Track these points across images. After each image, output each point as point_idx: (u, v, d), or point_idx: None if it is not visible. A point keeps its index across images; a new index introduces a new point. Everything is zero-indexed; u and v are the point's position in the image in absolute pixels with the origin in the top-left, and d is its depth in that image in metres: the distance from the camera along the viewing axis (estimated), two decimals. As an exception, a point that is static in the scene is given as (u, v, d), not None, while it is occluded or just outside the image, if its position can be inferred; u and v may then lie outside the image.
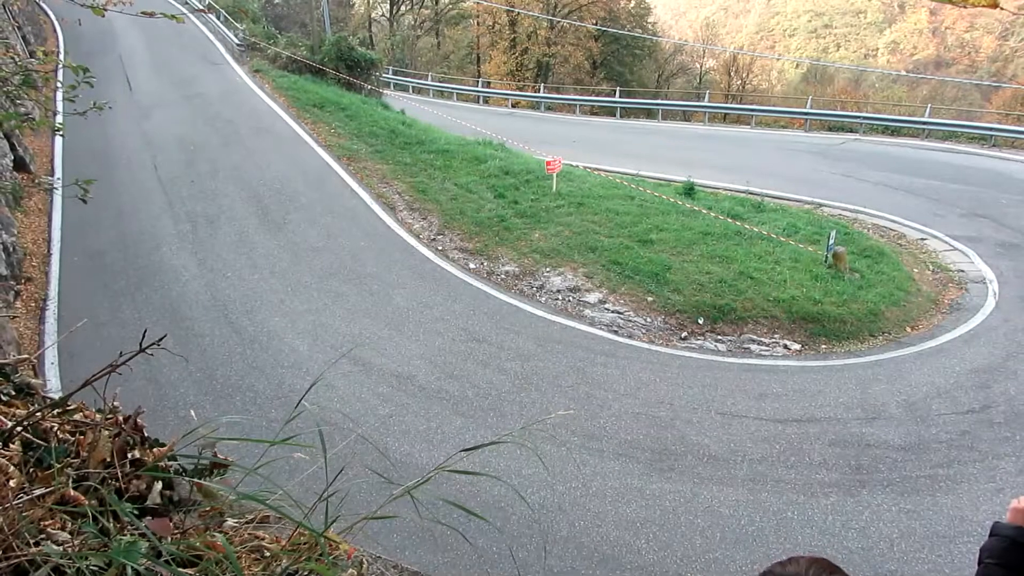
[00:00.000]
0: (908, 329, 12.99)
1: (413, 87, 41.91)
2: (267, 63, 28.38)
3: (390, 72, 43.63)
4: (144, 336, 1.88)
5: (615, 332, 12.24)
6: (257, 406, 9.44)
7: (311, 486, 2.00)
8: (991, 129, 27.75)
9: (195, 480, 1.92)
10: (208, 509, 1.90)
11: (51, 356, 10.20)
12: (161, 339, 1.86)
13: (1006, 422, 9.98)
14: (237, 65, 27.80)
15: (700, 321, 12.57)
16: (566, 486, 8.26)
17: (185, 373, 10.08)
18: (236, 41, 30.25)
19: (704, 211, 16.30)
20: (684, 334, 12.34)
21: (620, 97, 35.66)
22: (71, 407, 2.10)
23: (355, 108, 23.22)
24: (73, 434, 1.99)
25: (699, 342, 12.21)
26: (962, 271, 15.46)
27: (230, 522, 1.91)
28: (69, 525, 1.64)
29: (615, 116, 34.75)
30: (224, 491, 1.88)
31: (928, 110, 30.19)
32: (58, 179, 15.53)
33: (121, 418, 2.00)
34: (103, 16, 5.21)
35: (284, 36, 32.67)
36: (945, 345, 12.31)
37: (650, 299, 13.05)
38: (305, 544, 1.74)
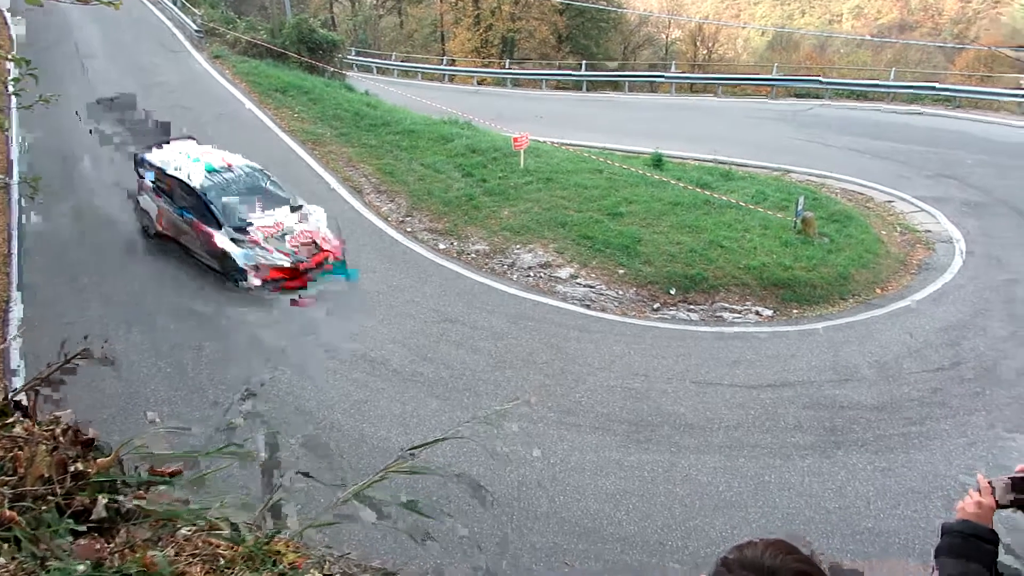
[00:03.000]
0: (878, 291, 13.09)
1: (377, 68, 41.43)
2: (227, 48, 27.86)
3: (353, 53, 43.08)
4: (95, 345, 1.79)
5: (587, 306, 12.22)
6: (229, 399, 9.31)
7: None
8: (955, 91, 27.94)
9: (137, 492, 1.83)
10: (157, 520, 1.81)
11: (14, 360, 9.95)
12: (81, 353, 1.77)
13: (976, 378, 10.10)
14: (196, 52, 27.29)
15: (672, 291, 12.58)
16: (544, 462, 8.25)
17: (155, 369, 9.92)
18: (194, 27, 29.67)
19: (673, 182, 16.28)
20: (656, 305, 12.34)
21: (586, 70, 35.48)
22: (9, 421, 2.01)
23: (318, 91, 22.89)
24: (11, 449, 1.89)
25: (672, 312, 12.22)
26: (929, 231, 15.59)
27: (183, 531, 1.83)
28: (5, 548, 1.56)
29: (581, 90, 34.57)
30: (155, 506, 1.79)
31: (892, 73, 30.34)
32: (11, 177, 15.18)
33: (60, 430, 1.91)
34: (41, 5, 5.06)
35: (244, 20, 32.07)
36: (914, 305, 12.42)
37: (621, 272, 13.03)
38: (262, 550, 1.67)
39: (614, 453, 8.50)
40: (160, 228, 12.99)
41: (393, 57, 43.57)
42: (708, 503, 7.75)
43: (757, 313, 12.24)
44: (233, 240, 11.72)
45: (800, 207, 14.28)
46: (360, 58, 42.94)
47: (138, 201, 13.38)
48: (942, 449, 8.63)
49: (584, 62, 36.82)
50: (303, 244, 11.99)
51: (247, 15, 35.80)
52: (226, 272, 11.87)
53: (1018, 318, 11.65)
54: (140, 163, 13.16)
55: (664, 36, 52.10)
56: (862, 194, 17.98)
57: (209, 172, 12.46)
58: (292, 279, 11.70)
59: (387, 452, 8.00)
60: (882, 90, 28.93)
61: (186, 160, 12.66)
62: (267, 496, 1.53)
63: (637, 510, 7.61)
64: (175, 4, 32.56)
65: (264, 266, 11.55)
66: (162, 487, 1.86)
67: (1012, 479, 2.16)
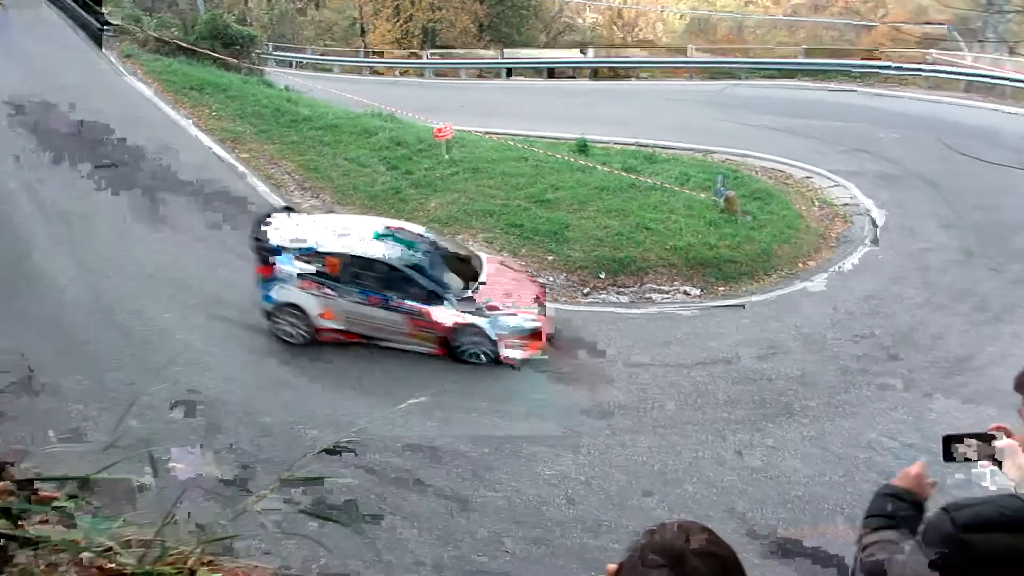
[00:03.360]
0: (800, 265, 13.45)
1: (296, 62, 40.64)
2: (137, 47, 26.95)
3: (271, 49, 42.22)
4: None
5: (519, 294, 12.24)
6: (153, 410, 9.03)
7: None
8: (864, 66, 28.86)
9: (17, 521, 1.76)
10: (56, 544, 1.75)
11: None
12: None
13: (894, 344, 10.49)
14: (104, 51, 26.32)
15: (602, 276, 12.71)
16: (478, 452, 8.26)
17: (73, 382, 9.56)
18: (98, 26, 28.53)
19: (598, 167, 16.40)
20: (587, 290, 12.46)
21: (507, 58, 35.44)
22: None
23: (236, 88, 22.35)
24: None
25: (602, 296, 12.36)
26: (846, 205, 16.06)
27: (87, 554, 1.76)
28: None
29: (504, 77, 34.56)
30: (39, 534, 1.73)
31: (804, 52, 31.14)
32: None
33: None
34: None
35: (154, 17, 31.07)
36: (835, 277, 12.82)
37: (551, 258, 13.11)
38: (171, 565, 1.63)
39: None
40: (323, 326, 10.34)
41: (310, 51, 42.81)
42: (644, 482, 7.87)
43: (685, 293, 12.46)
44: (468, 312, 10.02)
45: (720, 186, 14.54)
46: (279, 53, 42.08)
47: (271, 299, 10.33)
48: (865, 415, 8.94)
49: (505, 50, 36.77)
50: (534, 299, 10.47)
51: (157, 12, 34.68)
52: (459, 353, 10.12)
53: (932, 285, 12.11)
54: (271, 250, 10.34)
55: (584, 22, 52.37)
56: (781, 171, 18.40)
57: (382, 239, 10.54)
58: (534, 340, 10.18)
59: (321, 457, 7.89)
60: (796, 68, 29.67)
61: (334, 233, 10.56)
62: (168, 512, 1.49)
63: (576, 493, 7.68)
64: (76, 2, 31.29)
65: (516, 334, 10.03)
66: (53, 511, 1.80)
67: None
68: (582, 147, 18.31)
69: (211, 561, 1.73)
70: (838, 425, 8.75)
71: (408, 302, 9.99)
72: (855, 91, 26.44)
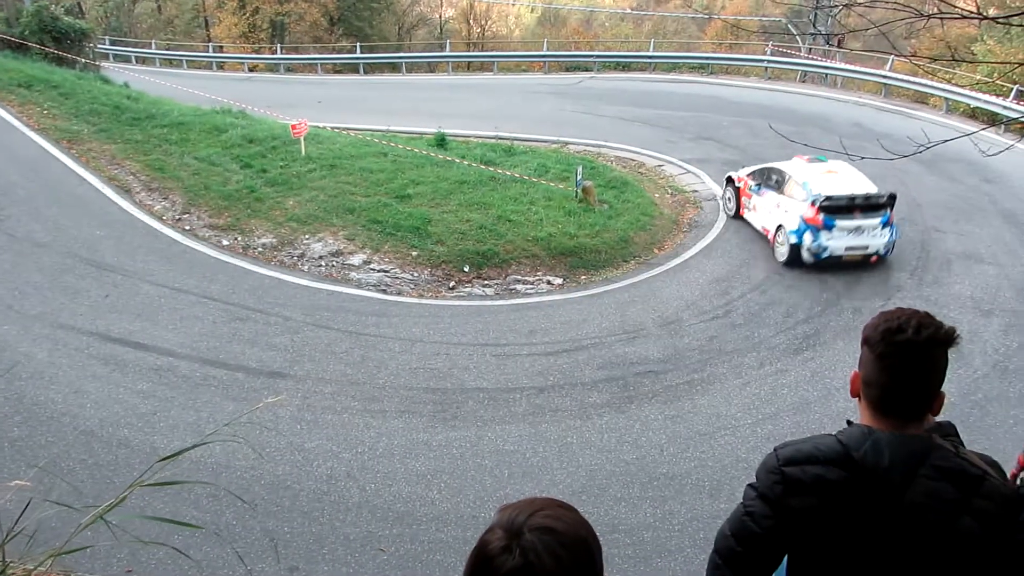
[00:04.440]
0: (656, 251, 13.96)
1: (136, 57, 38.58)
2: (-47, 42, 24.86)
3: (107, 43, 39.86)
4: None
5: (384, 291, 12.14)
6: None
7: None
8: (708, 58, 30.35)
9: None
10: None
11: None
12: None
13: (745, 322, 11.07)
14: (-86, 47, 24.17)
15: (466, 269, 12.75)
16: (352, 452, 8.14)
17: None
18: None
19: (458, 160, 16.44)
20: (452, 284, 12.47)
21: (362, 53, 34.90)
22: None
23: (69, 85, 20.94)
24: None
25: (467, 289, 12.40)
26: (696, 191, 16.81)
27: None
28: None
29: (359, 73, 34.02)
30: None
31: (652, 44, 32.27)
32: None
33: None
34: None
35: (-29, 10, 28.72)
36: (688, 261, 13.39)
37: (414, 254, 13.04)
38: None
39: (422, 435, 8.53)
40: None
41: (153, 45, 40.73)
42: (516, 471, 7.97)
43: (548, 282, 12.68)
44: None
45: (579, 177, 14.89)
46: (116, 48, 39.83)
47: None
48: (722, 392, 9.39)
49: (359, 44, 36.20)
50: None
51: (-25, 4, 32.05)
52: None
53: (776, 264, 12.85)
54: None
55: (438, 15, 52.25)
56: (635, 160, 19.04)
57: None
58: None
59: (178, 463, 7.54)
60: (645, 60, 30.73)
61: (837, 182, 12.73)
62: (6, 529, 1.39)
63: (449, 487, 7.69)
64: None
65: None
66: None
67: None
68: (441, 141, 18.33)
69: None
70: (697, 403, 9.14)
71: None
72: (700, 81, 27.68)
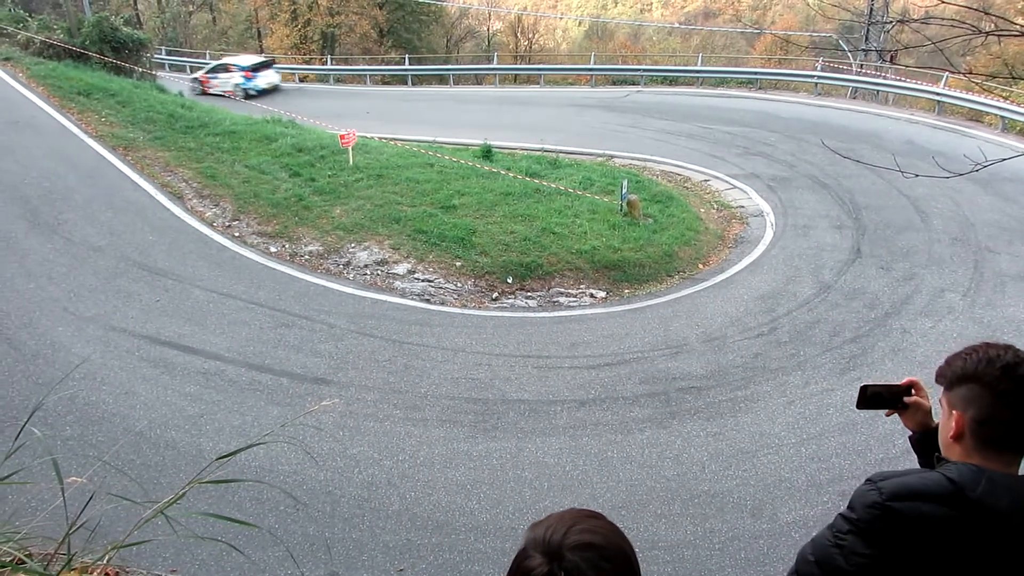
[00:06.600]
0: (700, 266, 13.85)
1: (191, 67, 39.50)
2: (18, 50, 25.69)
3: (163, 53, 40.89)
4: None
5: (427, 301, 12.22)
6: (48, 426, 8.64)
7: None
8: (756, 73, 30.09)
9: None
10: None
11: None
12: None
13: (790, 340, 10.90)
14: (-18, 55, 25.02)
15: (509, 280, 12.78)
16: (393, 460, 8.19)
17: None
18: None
19: (503, 172, 16.52)
20: (495, 295, 12.51)
21: (410, 64, 35.30)
22: None
23: (127, 93, 21.53)
24: None
25: (510, 301, 12.43)
26: (742, 207, 16.66)
27: None
28: None
29: (407, 84, 34.43)
30: None
31: (700, 59, 32.12)
32: None
33: None
34: None
35: (36, 19, 29.64)
36: (733, 277, 13.25)
37: (458, 264, 13.11)
38: (78, 572, 1.56)
39: (462, 444, 8.55)
40: None
41: (208, 56, 41.65)
42: (556, 484, 7.94)
43: (591, 295, 12.66)
44: None
45: (624, 190, 14.87)
46: (172, 57, 40.83)
47: None
48: (765, 410, 9.25)
49: (407, 56, 36.62)
50: None
51: (39, 13, 33.09)
52: None
53: (824, 283, 12.66)
54: None
55: (485, 28, 52.65)
56: (680, 175, 18.95)
57: None
58: None
59: (226, 465, 7.66)
60: (692, 75, 30.60)
61: None
62: (70, 522, 1.43)
63: (488, 498, 7.69)
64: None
65: None
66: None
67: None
68: (487, 152, 18.43)
69: (119, 571, 1.67)
70: (740, 421, 9.01)
71: None
72: (748, 96, 27.45)
